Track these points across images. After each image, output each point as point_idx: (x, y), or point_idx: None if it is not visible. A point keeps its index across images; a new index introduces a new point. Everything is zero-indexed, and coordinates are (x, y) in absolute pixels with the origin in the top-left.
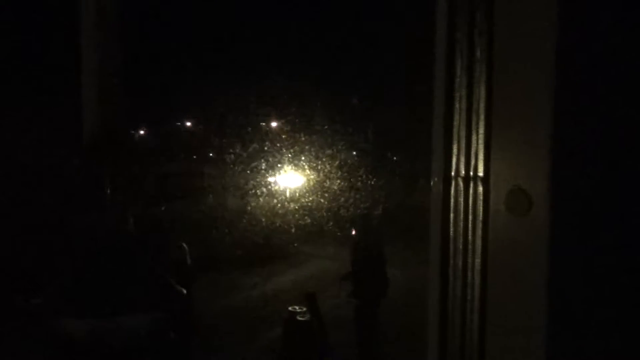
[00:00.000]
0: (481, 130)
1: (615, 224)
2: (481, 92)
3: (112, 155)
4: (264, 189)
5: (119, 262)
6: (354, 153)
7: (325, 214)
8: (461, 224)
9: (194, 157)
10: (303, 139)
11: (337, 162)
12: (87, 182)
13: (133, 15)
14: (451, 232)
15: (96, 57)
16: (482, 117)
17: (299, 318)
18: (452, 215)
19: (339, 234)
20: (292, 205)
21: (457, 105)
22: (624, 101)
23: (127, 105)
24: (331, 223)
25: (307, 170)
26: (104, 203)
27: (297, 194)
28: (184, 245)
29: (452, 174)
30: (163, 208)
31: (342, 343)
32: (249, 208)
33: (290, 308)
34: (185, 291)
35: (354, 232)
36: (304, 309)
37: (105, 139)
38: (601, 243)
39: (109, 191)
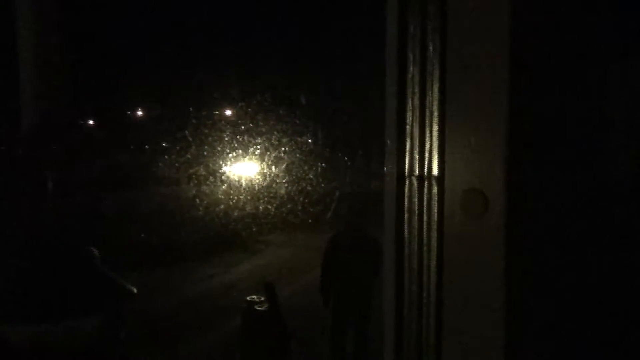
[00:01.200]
0: (435, 128)
1: (572, 225)
2: (435, 89)
3: (54, 147)
4: (220, 179)
5: (63, 261)
6: (308, 142)
7: (281, 202)
8: (416, 224)
9: (146, 147)
10: (255, 129)
11: (296, 152)
12: (28, 176)
13: (77, 4)
14: (406, 233)
15: (36, 48)
16: (435, 114)
17: (257, 308)
18: (406, 215)
19: (295, 221)
20: (248, 194)
21: (409, 103)
22: (579, 101)
23: (72, 96)
24: (288, 211)
25: (263, 160)
26: (46, 197)
27: (253, 184)
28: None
29: (406, 173)
30: (113, 200)
31: (301, 331)
32: (205, 198)
33: (248, 298)
34: (135, 290)
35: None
36: (262, 298)
37: (46, 131)
38: (558, 244)
39: (50, 185)
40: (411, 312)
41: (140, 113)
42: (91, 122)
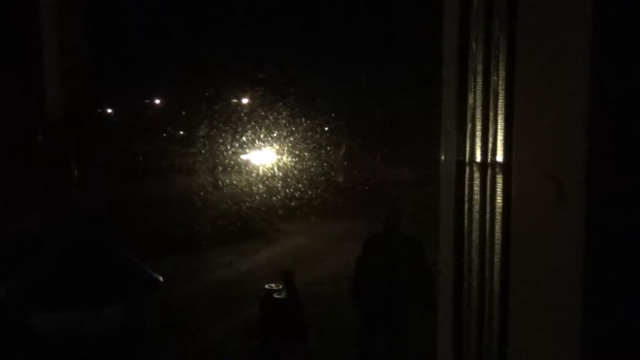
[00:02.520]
0: (501, 111)
1: None
2: (501, 67)
3: (77, 135)
4: (239, 167)
5: (91, 249)
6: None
7: (301, 191)
8: (477, 215)
9: (164, 135)
10: (270, 116)
11: (315, 141)
12: (53, 164)
13: None
14: (466, 224)
15: (59, 35)
16: (502, 95)
17: (275, 296)
18: (466, 205)
19: (314, 212)
20: (267, 183)
21: (471, 82)
22: None
23: (94, 84)
24: (307, 200)
25: (283, 148)
26: (71, 185)
27: (272, 172)
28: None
29: (466, 159)
30: (132, 188)
31: (319, 320)
32: (224, 187)
33: (266, 286)
34: (161, 279)
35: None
36: (281, 286)
37: (69, 118)
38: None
39: (75, 173)
40: (471, 313)
41: (159, 101)
42: (110, 110)
